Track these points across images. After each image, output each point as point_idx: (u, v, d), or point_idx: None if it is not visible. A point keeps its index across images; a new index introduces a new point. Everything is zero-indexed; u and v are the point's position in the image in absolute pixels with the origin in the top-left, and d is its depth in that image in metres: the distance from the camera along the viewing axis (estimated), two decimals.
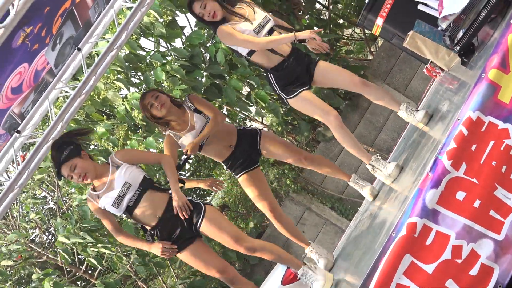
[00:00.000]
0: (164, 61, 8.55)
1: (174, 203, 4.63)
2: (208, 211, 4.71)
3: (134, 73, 9.42)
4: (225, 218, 4.93)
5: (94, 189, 4.75)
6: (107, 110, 9.32)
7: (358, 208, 6.67)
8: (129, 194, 4.64)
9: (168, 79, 8.46)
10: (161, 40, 8.97)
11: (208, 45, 8.99)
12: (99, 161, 5.27)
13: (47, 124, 7.74)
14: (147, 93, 5.11)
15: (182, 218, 4.64)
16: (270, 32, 5.09)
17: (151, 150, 8.25)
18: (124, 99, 8.86)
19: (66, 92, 6.07)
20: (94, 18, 5.90)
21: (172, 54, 8.77)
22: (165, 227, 4.73)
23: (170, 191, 4.73)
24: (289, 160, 5.45)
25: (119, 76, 8.79)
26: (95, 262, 8.73)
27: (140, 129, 8.98)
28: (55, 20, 5.08)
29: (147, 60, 8.87)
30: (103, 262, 9.11)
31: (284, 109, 9.97)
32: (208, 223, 4.69)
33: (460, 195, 3.08)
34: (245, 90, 9.59)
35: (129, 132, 8.97)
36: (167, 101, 5.07)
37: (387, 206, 4.40)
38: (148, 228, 4.77)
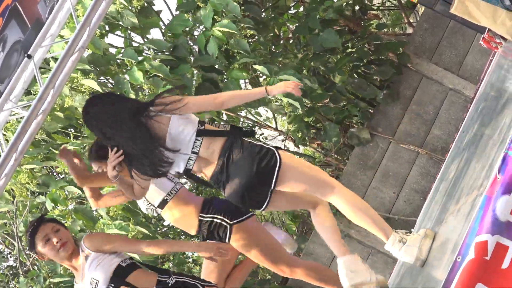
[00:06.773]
0: (141, 58, 8.50)
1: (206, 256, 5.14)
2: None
3: (103, 78, 9.39)
4: None
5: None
6: (74, 124, 9.22)
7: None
8: None
9: (148, 80, 8.43)
10: (132, 34, 8.96)
11: (195, 33, 8.96)
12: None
13: None
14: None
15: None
16: None
17: None
18: None
19: (18, 114, 6.09)
20: (45, 15, 5.93)
21: (150, 48, 8.74)
22: None
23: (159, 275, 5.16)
24: None
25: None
26: None
27: None
28: None
29: (118, 60, 8.85)
30: None
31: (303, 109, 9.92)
32: None
33: None
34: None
35: None
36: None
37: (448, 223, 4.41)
38: None
